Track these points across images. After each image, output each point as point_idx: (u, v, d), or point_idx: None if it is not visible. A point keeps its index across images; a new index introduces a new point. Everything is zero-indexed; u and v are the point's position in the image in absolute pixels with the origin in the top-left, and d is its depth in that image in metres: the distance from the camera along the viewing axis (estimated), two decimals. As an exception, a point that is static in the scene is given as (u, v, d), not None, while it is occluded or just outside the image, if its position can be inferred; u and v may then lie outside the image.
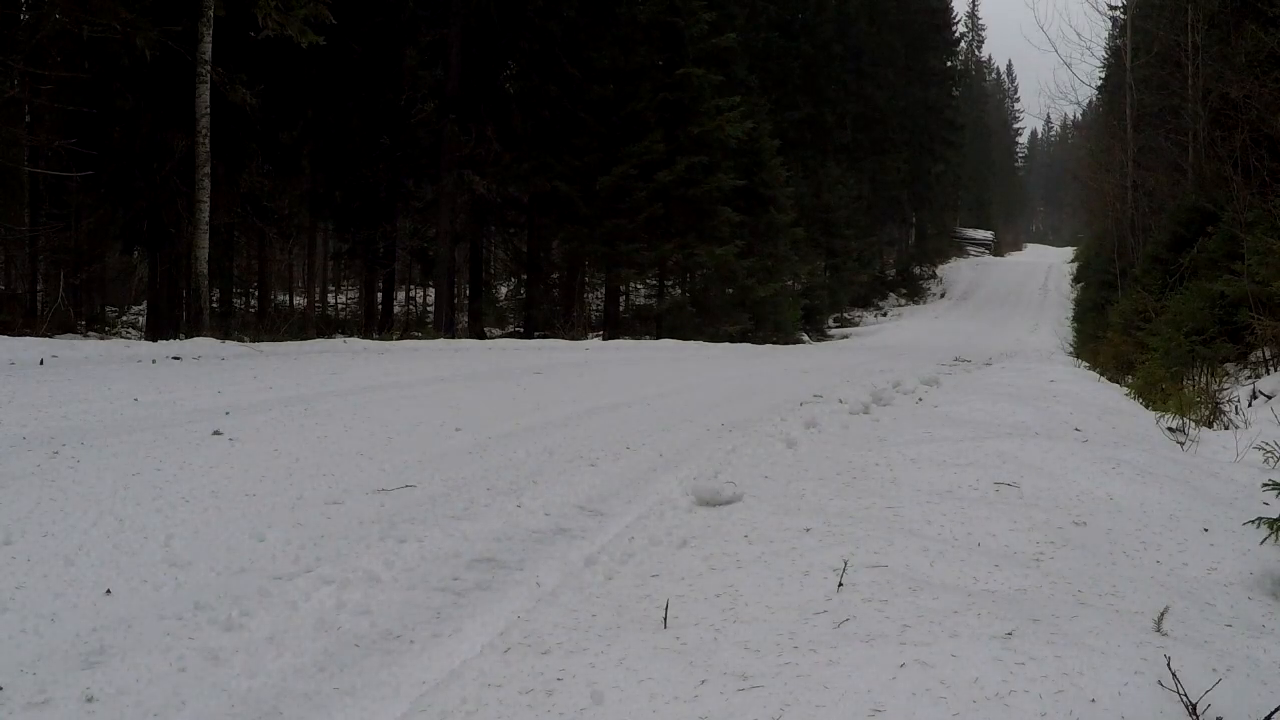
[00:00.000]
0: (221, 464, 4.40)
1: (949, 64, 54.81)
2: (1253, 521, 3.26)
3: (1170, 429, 6.85)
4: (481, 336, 20.63)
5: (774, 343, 24.99)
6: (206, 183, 12.75)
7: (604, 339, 21.24)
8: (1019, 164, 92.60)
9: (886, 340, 32.18)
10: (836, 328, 37.95)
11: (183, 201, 13.92)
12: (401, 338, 17.49)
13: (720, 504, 3.99)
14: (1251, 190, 11.58)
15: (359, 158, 20.25)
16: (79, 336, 13.45)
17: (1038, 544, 3.33)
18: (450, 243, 21.09)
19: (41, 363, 7.42)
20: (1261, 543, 3.26)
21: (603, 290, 25.88)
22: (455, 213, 20.84)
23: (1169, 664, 2.09)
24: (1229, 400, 8.00)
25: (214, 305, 17.14)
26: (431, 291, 25.90)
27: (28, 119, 14.85)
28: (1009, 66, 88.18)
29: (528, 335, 22.36)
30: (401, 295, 30.09)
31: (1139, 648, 2.23)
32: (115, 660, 2.41)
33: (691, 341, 20.01)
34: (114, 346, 9.02)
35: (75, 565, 2.99)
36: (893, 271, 49.89)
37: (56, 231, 17.62)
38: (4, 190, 14.71)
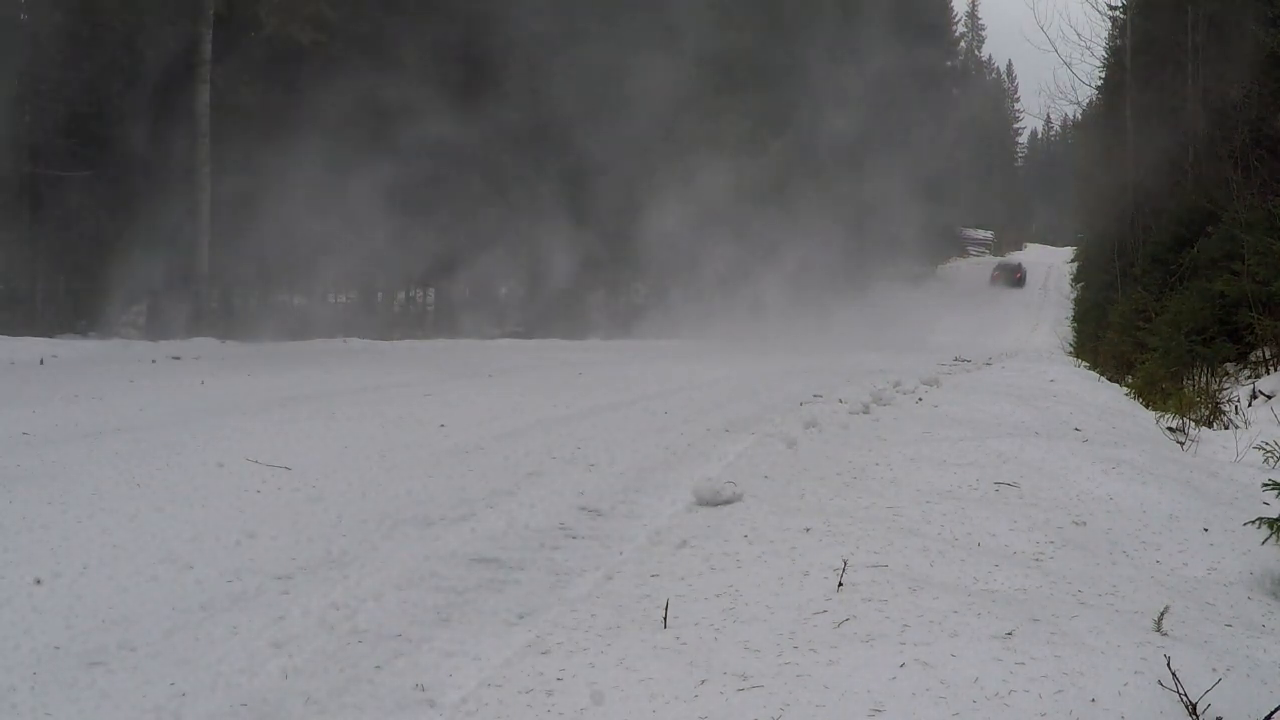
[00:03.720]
0: (225, 467, 4.41)
1: (948, 64, 54.77)
2: (1253, 521, 3.26)
3: (1170, 429, 6.84)
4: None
5: (774, 342, 24.95)
6: (207, 183, 12.76)
7: (603, 338, 21.22)
8: (1019, 164, 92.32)
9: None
10: (836, 327, 37.89)
11: (184, 201, 13.93)
12: (402, 338, 17.51)
13: (720, 504, 3.99)
14: (1251, 190, 11.56)
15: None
16: (79, 336, 13.45)
17: (1038, 544, 3.33)
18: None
19: (41, 362, 7.42)
20: (1262, 543, 3.26)
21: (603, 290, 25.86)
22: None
23: (1169, 664, 2.09)
24: (1229, 400, 7.99)
25: (213, 305, 17.14)
26: (433, 291, 25.94)
27: (27, 119, 14.83)
28: (1009, 66, 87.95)
29: (527, 335, 22.34)
30: (402, 295, 30.03)
31: (1139, 648, 2.23)
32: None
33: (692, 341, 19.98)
34: (114, 346, 9.03)
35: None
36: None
37: (56, 231, 17.58)
38: (4, 190, 14.69)
